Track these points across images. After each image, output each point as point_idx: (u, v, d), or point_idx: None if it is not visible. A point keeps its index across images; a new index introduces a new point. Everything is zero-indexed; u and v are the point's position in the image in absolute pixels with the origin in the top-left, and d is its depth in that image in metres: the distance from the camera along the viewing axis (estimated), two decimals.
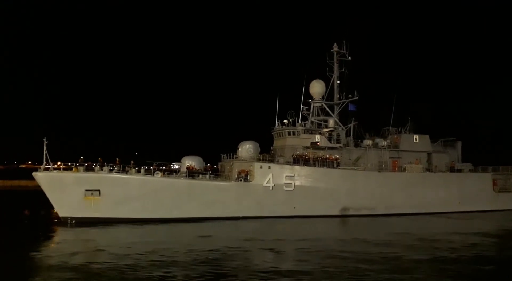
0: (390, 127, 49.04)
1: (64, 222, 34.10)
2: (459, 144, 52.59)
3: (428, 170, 47.00)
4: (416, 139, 47.94)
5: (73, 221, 33.99)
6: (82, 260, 20.02)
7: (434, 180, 45.85)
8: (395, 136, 48.19)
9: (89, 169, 35.14)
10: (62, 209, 34.46)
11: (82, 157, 36.37)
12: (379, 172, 43.62)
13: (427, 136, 48.78)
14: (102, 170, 34.83)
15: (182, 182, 36.54)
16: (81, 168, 35.01)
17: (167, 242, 26.22)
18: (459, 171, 48.54)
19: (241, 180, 37.82)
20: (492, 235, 30.93)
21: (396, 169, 45.70)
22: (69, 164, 35.01)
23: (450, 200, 45.39)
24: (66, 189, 33.84)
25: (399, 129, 49.07)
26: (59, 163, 35.14)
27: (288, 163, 39.76)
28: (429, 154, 48.51)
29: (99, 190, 34.29)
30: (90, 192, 34.18)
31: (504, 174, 51.47)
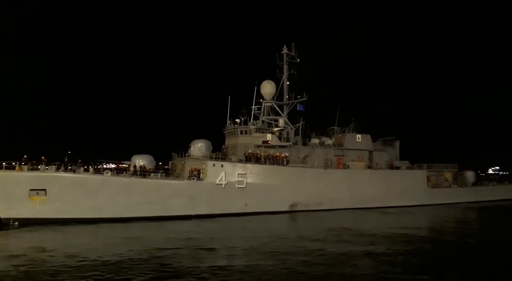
0: (335, 127, 51.60)
1: (6, 224, 32.41)
2: (397, 143, 56.44)
3: (370, 167, 50.09)
4: (358, 139, 50.87)
5: (16, 222, 32.39)
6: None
7: (375, 176, 48.93)
8: (340, 135, 50.81)
9: (33, 168, 33.70)
10: (3, 210, 32.68)
11: (25, 156, 34.78)
12: (325, 169, 45.84)
13: (368, 136, 51.92)
14: (48, 168, 33.47)
15: (133, 181, 36.04)
16: (25, 167, 33.47)
17: (89, 244, 25.30)
18: (397, 168, 52.25)
19: (193, 178, 38.03)
20: (425, 227, 33.98)
21: (341, 166, 48.22)
22: (13, 163, 33.21)
23: (390, 195, 48.67)
24: (8, 188, 32.17)
25: (343, 129, 51.79)
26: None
27: (240, 161, 40.60)
28: (370, 152, 51.68)
29: (45, 190, 32.98)
30: (36, 192, 32.75)
31: (437, 171, 56.18)
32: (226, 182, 38.86)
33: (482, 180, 66.38)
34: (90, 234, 29.36)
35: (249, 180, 40.00)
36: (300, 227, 35.36)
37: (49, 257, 20.95)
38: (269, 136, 44.13)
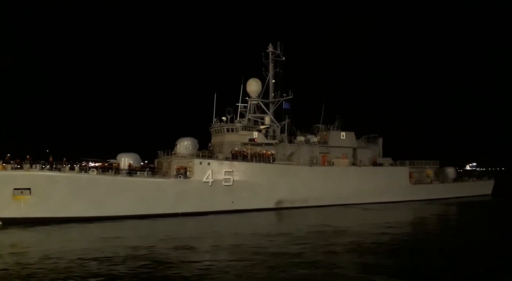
0: (320, 125, 52.21)
1: None
2: (380, 140, 57.44)
3: (354, 164, 50.91)
4: (343, 136, 51.61)
5: (0, 222, 31.97)
6: None
7: (359, 173, 49.75)
8: (324, 133, 51.46)
9: (17, 167, 33.24)
10: None
11: (8, 154, 34.26)
12: (311, 166, 46.41)
13: (352, 133, 52.70)
14: (32, 167, 33.05)
15: (119, 179, 35.89)
16: (8, 166, 32.99)
17: (64, 245, 24.65)
18: (381, 165, 53.17)
19: (180, 176, 38.06)
20: (408, 221, 34.95)
21: (326, 163, 48.89)
22: None
23: (373, 191, 49.60)
24: None
25: (328, 127, 52.45)
26: None
27: (227, 158, 40.78)
28: (354, 149, 52.53)
29: (29, 189, 32.58)
30: (20, 191, 32.32)
31: (419, 167, 57.43)
32: (213, 180, 39.00)
33: (462, 176, 68.08)
34: (75, 233, 29.05)
35: (236, 178, 40.23)
36: (283, 225, 35.47)
37: (20, 257, 20.85)
38: (255, 134, 44.41)
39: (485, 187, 64.76)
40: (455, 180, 61.83)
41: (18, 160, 33.87)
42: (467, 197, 59.21)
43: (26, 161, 33.88)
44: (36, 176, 32.88)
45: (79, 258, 20.32)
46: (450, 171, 61.71)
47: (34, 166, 33.42)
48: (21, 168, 33.20)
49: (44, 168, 33.78)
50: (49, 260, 20.00)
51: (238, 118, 45.88)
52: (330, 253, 21.90)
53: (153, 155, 45.60)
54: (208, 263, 20.01)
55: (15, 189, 32.29)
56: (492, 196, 62.83)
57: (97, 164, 37.79)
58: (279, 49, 50.78)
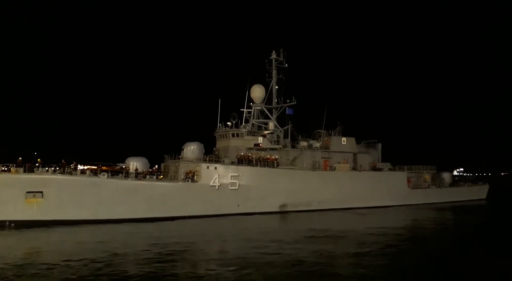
0: (322, 130, 53.34)
1: (2, 226, 32.49)
2: (379, 146, 58.72)
3: (354, 169, 52.10)
4: (344, 141, 52.77)
5: (12, 224, 32.57)
6: None
7: (359, 178, 50.91)
8: (326, 138, 52.58)
9: (29, 170, 33.85)
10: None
11: (20, 158, 34.86)
12: (313, 171, 47.48)
13: (353, 139, 53.89)
14: (47, 171, 33.74)
15: (129, 183, 36.64)
16: (20, 169, 33.61)
17: (76, 246, 25.42)
18: (380, 169, 54.40)
19: (188, 180, 38.90)
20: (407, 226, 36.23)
21: (327, 168, 49.99)
22: (9, 165, 33.30)
23: (373, 195, 50.75)
24: (4, 191, 32.27)
25: (329, 132, 53.60)
26: None
27: (233, 163, 41.70)
28: (355, 154, 53.69)
29: (41, 192, 33.25)
30: (32, 194, 32.99)
31: (416, 172, 58.71)
32: (219, 184, 39.89)
33: (457, 181, 69.57)
34: (85, 234, 29.79)
35: (242, 182, 41.15)
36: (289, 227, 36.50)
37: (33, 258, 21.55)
38: (260, 139, 45.41)
39: (480, 192, 66.21)
40: (451, 184, 63.24)
41: (29, 164, 34.49)
42: (463, 201, 60.54)
43: (38, 165, 34.54)
44: (48, 179, 33.56)
45: (90, 260, 20.98)
46: (446, 176, 63.13)
47: (47, 169, 34.06)
48: (33, 171, 33.87)
49: (56, 171, 34.46)
50: (61, 261, 20.53)
51: (243, 124, 46.81)
52: (327, 257, 22.19)
53: (159, 159, 46.38)
54: (217, 263, 20.78)
55: (27, 192, 32.96)
56: (487, 200, 64.28)
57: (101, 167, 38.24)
58: (282, 56, 51.95)
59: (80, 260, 20.76)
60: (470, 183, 68.87)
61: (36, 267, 19.47)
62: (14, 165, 33.76)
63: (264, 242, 26.36)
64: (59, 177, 34.01)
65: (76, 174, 35.10)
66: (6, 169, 34.03)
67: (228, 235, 30.89)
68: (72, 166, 36.62)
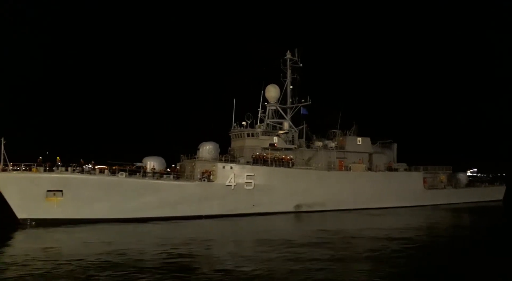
0: (337, 130, 53.16)
1: (23, 224, 33.18)
2: (395, 146, 58.30)
3: (370, 169, 51.81)
4: (359, 141, 52.53)
5: (33, 222, 33.24)
6: None
7: (375, 178, 50.65)
8: (341, 138, 52.39)
9: (49, 169, 34.48)
10: (21, 211, 33.44)
11: (40, 157, 35.51)
12: (328, 171, 47.38)
13: (368, 139, 53.62)
14: (66, 170, 34.33)
15: (147, 182, 37.06)
16: (40, 168, 34.26)
17: (96, 244, 25.73)
18: (396, 170, 54.03)
19: (204, 180, 39.19)
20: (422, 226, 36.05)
21: (343, 168, 49.82)
22: (30, 165, 33.97)
23: (389, 196, 50.44)
24: (26, 189, 32.94)
25: (344, 132, 53.38)
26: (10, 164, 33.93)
27: (248, 163, 41.85)
28: (370, 154, 53.40)
29: (61, 191, 33.85)
30: (53, 193, 33.61)
31: (432, 173, 58.20)
32: (235, 183, 40.08)
33: (473, 181, 68.70)
34: (102, 233, 30.33)
35: (257, 182, 41.28)
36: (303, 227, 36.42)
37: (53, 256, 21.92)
38: (275, 139, 45.49)
39: (497, 193, 65.27)
40: (467, 185, 62.50)
41: (49, 163, 35.10)
42: (479, 202, 59.74)
43: (58, 164, 35.12)
44: (68, 178, 34.14)
45: (108, 256, 21.48)
46: (462, 176, 62.45)
47: (66, 168, 34.65)
48: (52, 170, 34.48)
49: (75, 170, 35.04)
50: (79, 259, 20.86)
51: (258, 123, 46.93)
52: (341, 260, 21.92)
53: (175, 158, 46.79)
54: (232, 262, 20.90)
55: (48, 190, 33.58)
56: (504, 202, 63.30)
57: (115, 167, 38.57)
58: (296, 56, 51.91)
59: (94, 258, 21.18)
60: (486, 184, 67.99)
61: (63, 266, 19.73)
62: (35, 164, 34.42)
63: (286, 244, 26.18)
64: (78, 176, 34.56)
65: (95, 173, 35.63)
66: (27, 168, 34.65)
67: (244, 235, 31.11)
68: (90, 165, 37.30)
